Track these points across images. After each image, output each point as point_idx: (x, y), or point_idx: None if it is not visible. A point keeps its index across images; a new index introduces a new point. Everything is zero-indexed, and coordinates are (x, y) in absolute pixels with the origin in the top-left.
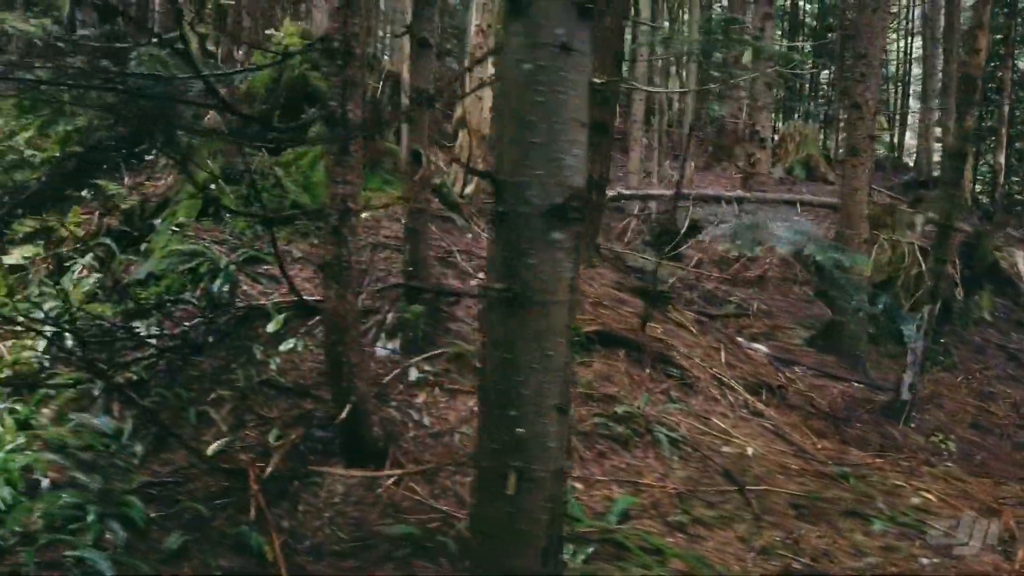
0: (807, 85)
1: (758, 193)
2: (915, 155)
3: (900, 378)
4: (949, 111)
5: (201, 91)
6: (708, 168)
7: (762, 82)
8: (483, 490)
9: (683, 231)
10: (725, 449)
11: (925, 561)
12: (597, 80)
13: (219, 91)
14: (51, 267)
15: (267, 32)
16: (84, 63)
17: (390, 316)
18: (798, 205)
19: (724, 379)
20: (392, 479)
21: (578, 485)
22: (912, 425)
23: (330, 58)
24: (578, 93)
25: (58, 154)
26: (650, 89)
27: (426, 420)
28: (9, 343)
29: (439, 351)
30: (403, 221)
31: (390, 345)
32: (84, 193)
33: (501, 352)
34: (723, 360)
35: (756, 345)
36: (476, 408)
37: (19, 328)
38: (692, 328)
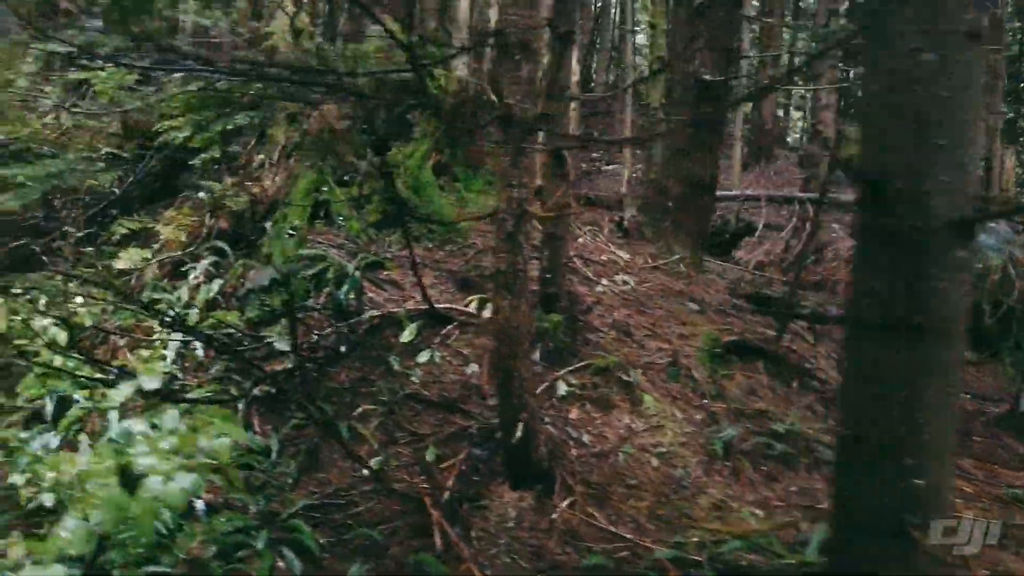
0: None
1: (832, 195)
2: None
3: (1021, 389)
4: (993, 110)
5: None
6: (747, 168)
7: (826, 79)
8: (860, 546)
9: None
10: None
11: None
12: (708, 77)
13: (429, 87)
14: (160, 271)
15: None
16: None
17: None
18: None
19: None
20: (566, 503)
21: (758, 511)
22: None
23: (505, 53)
24: (978, 88)
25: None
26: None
27: (585, 438)
28: (143, 353)
29: (583, 363)
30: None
31: (531, 355)
32: (196, 193)
33: (892, 391)
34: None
35: None
36: (633, 426)
37: (147, 337)
38: (808, 336)
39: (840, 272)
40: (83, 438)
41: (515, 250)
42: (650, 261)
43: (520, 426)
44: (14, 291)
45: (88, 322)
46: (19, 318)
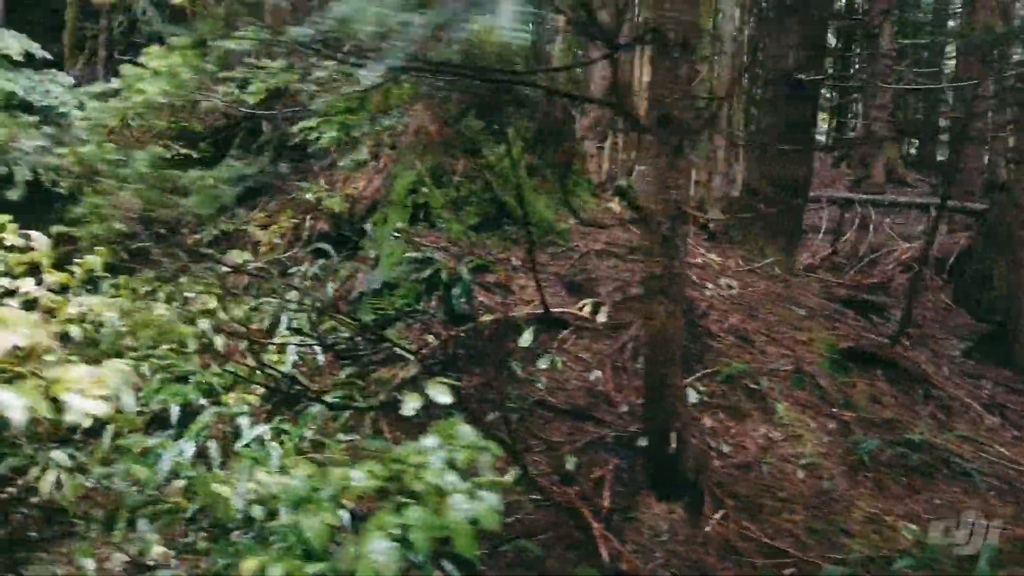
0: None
1: (891, 196)
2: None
3: None
4: None
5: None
6: None
7: (880, 80)
8: None
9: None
10: None
11: None
12: (803, 76)
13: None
14: (259, 275)
15: None
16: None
17: (644, 330)
18: (932, 208)
19: (964, 399)
20: (718, 515)
21: (911, 524)
22: None
23: (662, 51)
24: None
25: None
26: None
27: (724, 448)
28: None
29: (709, 370)
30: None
31: None
32: (284, 196)
33: None
34: (947, 376)
35: None
36: (771, 435)
37: (264, 340)
38: (905, 342)
39: (899, 274)
40: (212, 444)
41: (671, 253)
42: (742, 264)
43: (674, 436)
44: (159, 294)
45: (253, 326)
46: (180, 322)
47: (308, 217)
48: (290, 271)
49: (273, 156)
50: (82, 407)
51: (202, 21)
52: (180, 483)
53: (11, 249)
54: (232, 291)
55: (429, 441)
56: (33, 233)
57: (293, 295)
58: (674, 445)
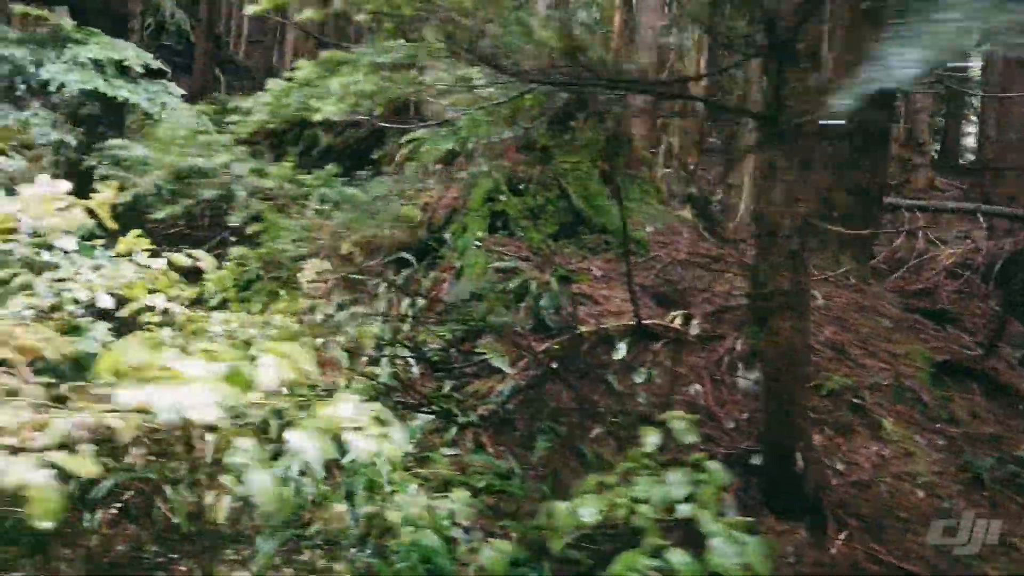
0: None
1: (935, 202)
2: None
3: None
4: None
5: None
6: None
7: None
8: None
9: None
10: None
11: None
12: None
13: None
14: (337, 284)
15: None
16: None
17: (739, 343)
18: (980, 216)
19: None
20: (842, 536)
21: None
22: None
23: (791, 61)
24: None
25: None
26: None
27: (839, 466)
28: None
29: (810, 384)
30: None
31: (752, 375)
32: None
33: None
34: None
35: None
36: (882, 452)
37: (371, 354)
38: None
39: (946, 280)
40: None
41: (799, 268)
42: (816, 273)
43: (799, 455)
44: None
45: (369, 345)
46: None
47: (386, 225)
48: (372, 281)
49: (419, 171)
50: (366, 448)
51: (380, 35)
52: (295, 500)
53: (177, 268)
54: (319, 298)
55: (673, 476)
56: (198, 252)
57: (380, 305)
58: (800, 464)
